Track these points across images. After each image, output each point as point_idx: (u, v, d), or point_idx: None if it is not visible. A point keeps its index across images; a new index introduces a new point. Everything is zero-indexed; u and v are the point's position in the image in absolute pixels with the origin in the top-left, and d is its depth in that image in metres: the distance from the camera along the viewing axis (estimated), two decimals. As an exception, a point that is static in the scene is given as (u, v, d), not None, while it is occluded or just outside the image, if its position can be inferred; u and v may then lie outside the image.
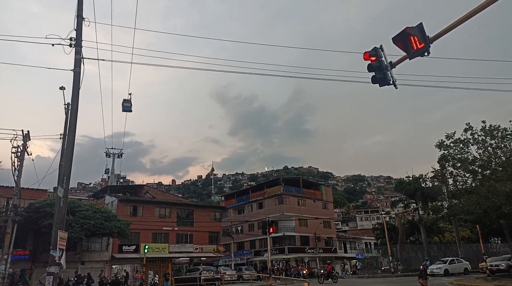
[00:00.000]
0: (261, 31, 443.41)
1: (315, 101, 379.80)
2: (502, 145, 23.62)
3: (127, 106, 15.17)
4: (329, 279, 31.02)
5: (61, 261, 10.88)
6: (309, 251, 52.08)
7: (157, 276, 36.67)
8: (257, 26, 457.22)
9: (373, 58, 8.64)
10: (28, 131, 21.88)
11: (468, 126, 24.95)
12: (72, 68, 11.71)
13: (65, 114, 18.39)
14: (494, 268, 30.09)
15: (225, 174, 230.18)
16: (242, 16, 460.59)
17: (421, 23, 7.67)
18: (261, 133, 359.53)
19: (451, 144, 25.73)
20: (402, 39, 7.82)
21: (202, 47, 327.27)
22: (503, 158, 23.44)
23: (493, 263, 31.18)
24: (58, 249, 10.68)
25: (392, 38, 7.91)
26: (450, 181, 27.62)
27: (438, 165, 26.32)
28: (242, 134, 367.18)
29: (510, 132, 23.87)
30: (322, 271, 34.77)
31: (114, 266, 36.96)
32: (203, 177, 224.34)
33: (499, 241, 51.18)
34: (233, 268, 43.66)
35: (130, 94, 15.58)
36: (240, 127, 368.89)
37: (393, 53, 9.06)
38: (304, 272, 41.82)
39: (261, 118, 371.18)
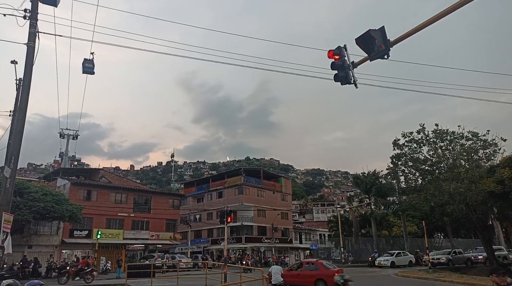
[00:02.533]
0: (230, 21, 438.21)
1: (281, 94, 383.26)
2: (450, 147, 25.19)
3: (88, 67, 13.43)
4: (78, 278, 23.03)
5: (5, 244, 10.37)
6: (265, 241, 53.05)
7: (109, 262, 35.83)
8: (226, 15, 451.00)
9: (336, 57, 8.88)
10: (-27, 106, 20.34)
11: (421, 127, 26.29)
12: (26, 41, 11.01)
13: (16, 90, 17.26)
14: (436, 261, 32.32)
15: (186, 162, 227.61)
16: (210, 2, 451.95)
17: (383, 26, 7.96)
18: (225, 123, 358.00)
19: (406, 143, 27.01)
20: (364, 41, 8.09)
21: (168, 32, 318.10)
22: (451, 160, 25.03)
23: (435, 257, 33.46)
24: (2, 232, 10.16)
25: (355, 39, 8.15)
26: (402, 178, 29.13)
27: (391, 162, 27.61)
28: (205, 123, 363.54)
29: (457, 136, 25.48)
30: (68, 268, 23.89)
31: (64, 251, 35.63)
32: (163, 164, 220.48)
33: (442, 236, 54.85)
34: (189, 256, 43.58)
35: (92, 53, 13.81)
36: (204, 115, 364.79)
37: (356, 53, 9.36)
38: (245, 262, 39.94)
39: (226, 108, 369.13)
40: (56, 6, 11.47)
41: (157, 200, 44.84)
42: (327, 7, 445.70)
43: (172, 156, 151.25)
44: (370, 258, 38.71)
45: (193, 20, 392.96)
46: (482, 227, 25.97)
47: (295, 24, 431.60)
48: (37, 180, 46.99)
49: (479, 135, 24.69)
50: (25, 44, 11.06)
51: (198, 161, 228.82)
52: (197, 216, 57.42)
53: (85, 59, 13.52)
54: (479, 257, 33.07)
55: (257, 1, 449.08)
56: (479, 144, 24.53)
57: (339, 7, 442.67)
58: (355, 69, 9.05)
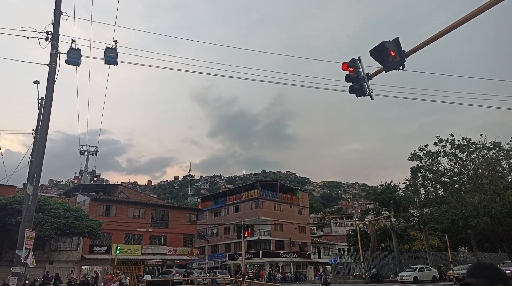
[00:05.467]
0: (243, 36, 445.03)
1: (296, 107, 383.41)
2: (470, 158, 24.54)
3: (111, 56, 11.84)
4: None
5: (28, 261, 10.54)
6: (283, 255, 52.29)
7: (128, 278, 35.94)
8: (239, 30, 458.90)
9: (351, 69, 8.85)
10: (-2, 125, 21.07)
11: (438, 139, 25.74)
12: (48, 62, 11.42)
13: (38, 109, 17.86)
14: (461, 276, 31.09)
15: (202, 176, 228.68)
16: (225, 19, 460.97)
17: (397, 37, 7.92)
18: (241, 136, 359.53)
19: (423, 156, 26.46)
20: (378, 52, 8.05)
21: (183, 48, 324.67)
22: (472, 171, 24.35)
23: (460, 271, 32.22)
24: (24, 248, 10.35)
25: (369, 51, 8.12)
26: (422, 191, 28.47)
27: (410, 175, 27.10)
28: (221, 137, 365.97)
29: (479, 146, 24.81)
30: None
31: (84, 267, 35.98)
32: (180, 178, 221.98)
33: (466, 250, 52.94)
34: (206, 271, 43.32)
35: (115, 41, 12.01)
36: (219, 129, 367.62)
37: (370, 64, 9.31)
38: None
39: (241, 121, 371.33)
40: (78, 66, 11.89)
41: (174, 214, 45.02)
42: (339, 18, 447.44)
43: (189, 170, 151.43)
44: (365, 275, 37.54)
45: (208, 36, 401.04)
46: (509, 240, 24.98)
47: (307, 36, 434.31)
48: (58, 196, 48.00)
49: (501, 145, 24.01)
50: (47, 64, 11.46)
51: (214, 175, 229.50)
52: (214, 231, 57.24)
53: (107, 48, 11.95)
54: (507, 272, 31.70)
55: (270, 15, 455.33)
56: (502, 154, 23.84)
57: (350, 18, 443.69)
58: (370, 80, 9.00)
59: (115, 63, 11.95)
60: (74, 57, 11.65)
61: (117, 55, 11.91)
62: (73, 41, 11.70)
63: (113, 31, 14.61)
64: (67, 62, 11.57)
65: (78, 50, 11.74)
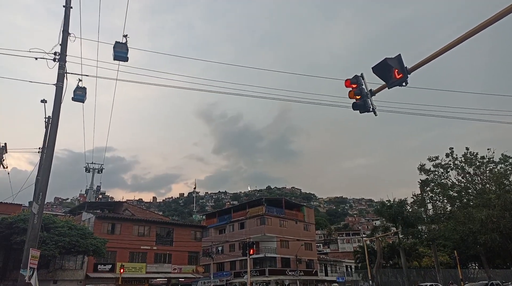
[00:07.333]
0: (248, 54, 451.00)
1: (300, 122, 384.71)
2: (479, 172, 24.33)
3: (121, 51, 10.79)
4: None
5: (32, 280, 10.48)
6: (289, 273, 51.43)
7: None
8: (244, 48, 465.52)
9: (354, 86, 8.91)
10: (5, 144, 21.29)
11: (450, 151, 25.63)
12: (55, 82, 11.61)
13: (45, 127, 18.09)
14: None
15: (207, 192, 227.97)
16: (229, 38, 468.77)
17: (399, 54, 7.99)
18: (245, 153, 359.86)
19: (432, 168, 26.33)
20: (381, 69, 8.11)
21: (189, 66, 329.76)
22: (480, 185, 24.10)
23: (471, 289, 31.50)
24: (29, 268, 10.30)
25: (372, 68, 8.18)
26: (430, 206, 28.19)
27: (419, 188, 26.88)
28: (226, 153, 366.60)
29: (487, 160, 24.64)
30: None
31: (88, 286, 35.61)
32: (185, 195, 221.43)
33: (476, 267, 51.78)
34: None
35: (125, 36, 10.92)
36: (224, 146, 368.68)
37: (374, 81, 9.36)
38: None
39: (246, 138, 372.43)
40: (83, 102, 12.44)
41: (179, 232, 44.67)
42: (342, 35, 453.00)
43: (194, 187, 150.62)
44: None
45: (214, 55, 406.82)
46: (520, 256, 24.45)
47: (310, 53, 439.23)
48: (63, 214, 47.96)
49: (510, 159, 23.84)
50: (54, 84, 11.66)
51: (219, 191, 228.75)
52: (219, 248, 56.62)
53: (116, 43, 10.88)
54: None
55: (274, 34, 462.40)
56: (510, 168, 23.61)
57: (354, 34, 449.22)
58: (373, 96, 9.03)
59: (125, 59, 11.04)
60: (80, 94, 12.20)
61: (127, 50, 11.03)
62: (80, 80, 12.18)
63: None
64: (73, 99, 12.17)
65: (84, 88, 12.25)
